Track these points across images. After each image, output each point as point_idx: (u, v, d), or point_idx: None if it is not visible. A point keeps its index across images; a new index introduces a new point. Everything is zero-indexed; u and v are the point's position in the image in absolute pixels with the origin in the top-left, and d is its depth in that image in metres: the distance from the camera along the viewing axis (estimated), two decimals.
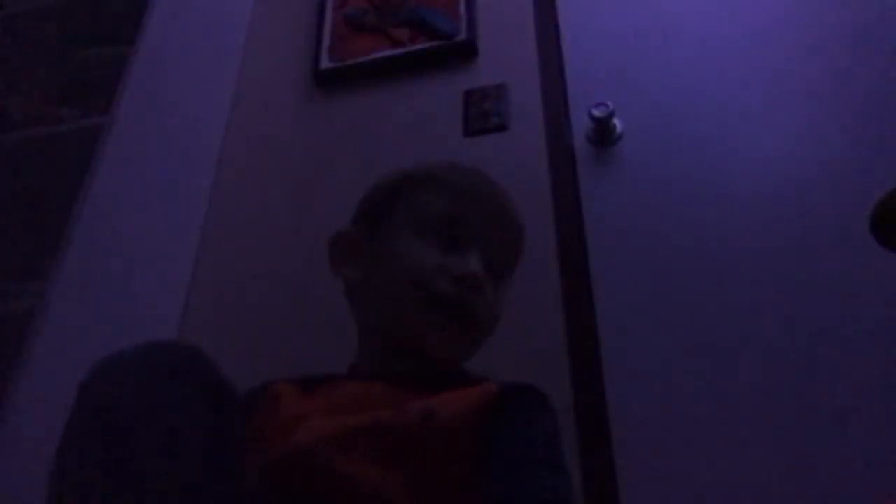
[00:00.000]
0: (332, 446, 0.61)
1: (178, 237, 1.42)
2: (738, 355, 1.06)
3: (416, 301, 0.71)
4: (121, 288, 1.36)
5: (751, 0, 1.40)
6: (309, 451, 0.61)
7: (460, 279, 0.71)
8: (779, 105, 1.26)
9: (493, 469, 0.64)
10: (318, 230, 1.10)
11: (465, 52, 1.48)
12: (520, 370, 1.05)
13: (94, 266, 1.39)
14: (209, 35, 1.75)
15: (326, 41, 1.60)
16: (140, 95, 1.62)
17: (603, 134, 1.31)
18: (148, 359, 0.56)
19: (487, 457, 0.64)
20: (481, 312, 0.72)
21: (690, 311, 1.11)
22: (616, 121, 1.31)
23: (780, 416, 1.00)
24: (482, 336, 0.75)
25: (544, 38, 1.46)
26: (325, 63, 1.57)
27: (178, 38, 1.75)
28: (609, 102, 1.29)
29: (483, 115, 1.37)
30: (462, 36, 1.49)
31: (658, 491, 0.99)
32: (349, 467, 0.60)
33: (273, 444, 0.64)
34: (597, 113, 1.29)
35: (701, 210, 1.20)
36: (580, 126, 1.34)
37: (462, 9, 1.52)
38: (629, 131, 1.31)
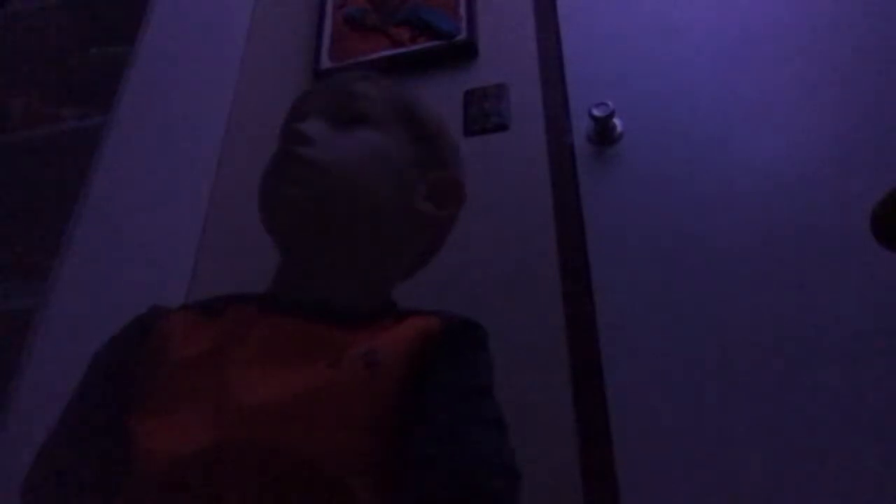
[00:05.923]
0: (266, 422, 0.57)
1: (178, 237, 1.42)
2: (737, 355, 1.06)
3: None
4: (121, 288, 1.36)
5: (751, 0, 1.40)
6: (252, 428, 0.57)
7: (286, 138, 0.77)
8: (779, 105, 1.26)
9: (426, 423, 0.61)
10: None
11: (465, 52, 1.47)
12: (520, 369, 1.06)
13: (94, 265, 1.39)
14: (209, 35, 1.75)
15: (326, 41, 1.60)
16: (140, 95, 1.62)
17: (603, 134, 1.31)
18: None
19: (422, 406, 0.62)
20: (306, 152, 0.74)
21: (691, 311, 1.11)
22: (616, 121, 1.31)
23: (780, 415, 1.00)
24: (319, 176, 0.73)
25: (544, 38, 1.46)
26: (326, 63, 1.57)
27: (178, 38, 1.75)
28: (609, 102, 1.29)
29: (483, 115, 1.37)
30: (462, 36, 1.48)
31: (658, 491, 0.99)
32: (284, 440, 0.56)
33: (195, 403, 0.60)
34: (597, 113, 1.29)
35: (701, 210, 1.20)
36: (580, 126, 1.34)
37: (462, 9, 1.52)
38: (629, 131, 1.31)
